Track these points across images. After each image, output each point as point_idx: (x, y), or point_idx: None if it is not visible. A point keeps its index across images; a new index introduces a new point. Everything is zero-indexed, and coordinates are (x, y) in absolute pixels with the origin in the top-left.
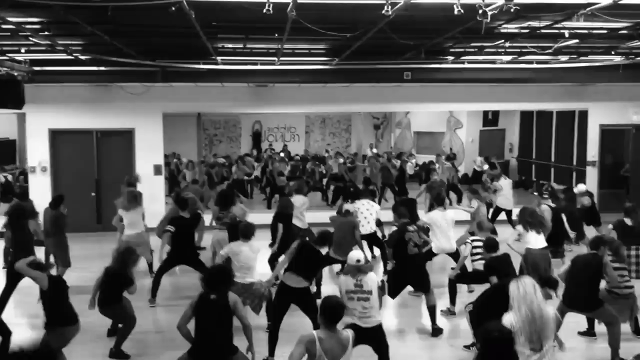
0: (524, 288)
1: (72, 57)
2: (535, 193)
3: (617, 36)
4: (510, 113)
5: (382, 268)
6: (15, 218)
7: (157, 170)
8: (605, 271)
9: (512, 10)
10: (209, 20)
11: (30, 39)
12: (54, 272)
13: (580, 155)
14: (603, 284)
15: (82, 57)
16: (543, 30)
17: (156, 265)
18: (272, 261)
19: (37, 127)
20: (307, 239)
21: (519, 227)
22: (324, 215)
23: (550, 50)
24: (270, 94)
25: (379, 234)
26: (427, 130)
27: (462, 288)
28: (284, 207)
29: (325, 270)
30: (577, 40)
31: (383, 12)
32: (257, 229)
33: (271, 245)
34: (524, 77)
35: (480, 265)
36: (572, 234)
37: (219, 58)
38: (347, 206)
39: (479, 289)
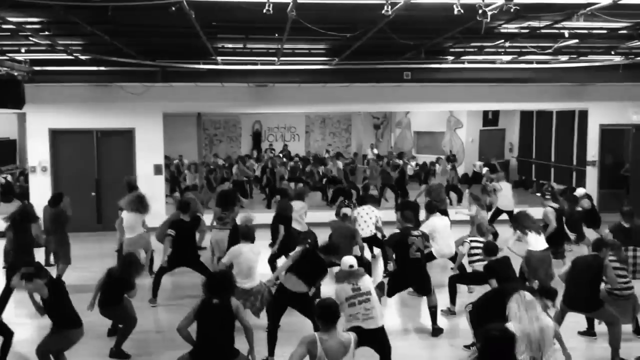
0: (525, 300)
1: (72, 57)
2: (538, 194)
3: (616, 36)
4: (510, 113)
5: (382, 268)
6: (20, 221)
7: (157, 170)
8: (605, 273)
9: (512, 10)
10: (209, 20)
11: (31, 38)
12: (53, 272)
13: (580, 155)
14: (603, 285)
15: (82, 57)
16: (543, 30)
17: (157, 266)
18: (272, 261)
19: (38, 127)
20: (309, 240)
21: (518, 233)
22: (323, 215)
23: (550, 50)
24: (270, 94)
25: (379, 235)
26: (427, 130)
27: (462, 288)
28: (283, 209)
29: None
30: (577, 40)
31: (383, 12)
32: (257, 229)
33: (271, 245)
34: (524, 77)
35: (479, 266)
36: (572, 236)
37: (219, 58)
38: (346, 210)
39: (479, 289)
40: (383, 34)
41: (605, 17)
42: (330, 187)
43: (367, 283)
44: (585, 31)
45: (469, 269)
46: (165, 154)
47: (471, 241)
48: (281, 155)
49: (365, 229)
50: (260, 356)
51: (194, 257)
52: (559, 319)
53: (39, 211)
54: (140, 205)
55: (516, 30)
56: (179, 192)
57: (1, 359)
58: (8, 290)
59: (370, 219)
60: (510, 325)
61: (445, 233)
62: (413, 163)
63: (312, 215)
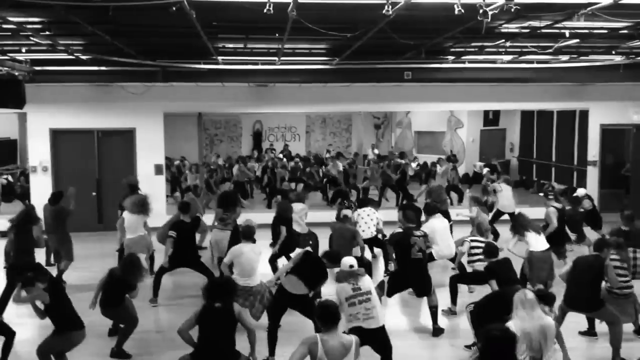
0: (526, 299)
1: (73, 57)
2: (541, 194)
3: (617, 36)
4: (511, 113)
5: (382, 268)
6: (23, 223)
7: (158, 169)
8: (606, 274)
9: (512, 10)
10: (210, 20)
11: (31, 38)
12: (53, 271)
13: (581, 155)
14: (603, 283)
15: (83, 57)
16: (543, 30)
17: (157, 266)
18: (273, 261)
19: (38, 126)
20: (310, 242)
21: (517, 237)
22: (324, 215)
23: (550, 50)
24: (270, 93)
25: (380, 236)
26: (428, 129)
27: (462, 288)
28: (283, 210)
29: None
30: (577, 40)
31: (383, 11)
32: (258, 229)
33: (271, 245)
34: (525, 77)
35: (480, 266)
36: (572, 236)
37: (219, 58)
38: (347, 212)
39: (480, 289)
40: (384, 34)
41: (606, 16)
42: (331, 188)
43: (368, 283)
44: (586, 31)
45: (469, 269)
46: (166, 154)
47: (471, 241)
48: (282, 155)
49: (366, 230)
50: (261, 356)
51: (194, 257)
52: (560, 319)
53: (40, 211)
54: (142, 208)
55: (517, 30)
56: (179, 192)
57: (3, 359)
58: (9, 290)
59: (371, 220)
60: (511, 324)
61: (444, 234)
62: (414, 164)
63: (313, 216)
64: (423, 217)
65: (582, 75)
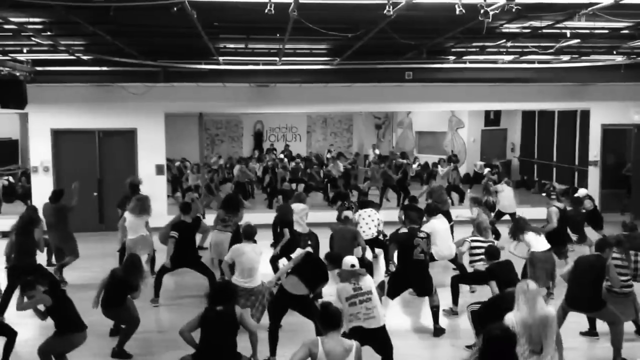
0: (528, 289)
1: (74, 57)
2: (543, 194)
3: (618, 36)
4: (512, 113)
5: (383, 268)
6: (26, 225)
7: (159, 170)
8: (608, 274)
9: (513, 10)
10: (211, 21)
11: (33, 39)
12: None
13: (582, 155)
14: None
15: (84, 57)
16: (544, 30)
17: (158, 266)
18: (274, 262)
19: (40, 127)
20: (309, 242)
21: (513, 243)
22: (325, 216)
23: (551, 50)
24: (271, 94)
25: (381, 237)
26: (429, 130)
27: (464, 288)
28: (283, 214)
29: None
30: (578, 40)
31: (384, 12)
32: (258, 229)
33: (272, 245)
34: (526, 77)
35: (481, 266)
36: (573, 236)
37: (220, 58)
38: (347, 213)
39: (481, 289)
40: (384, 34)
41: (607, 17)
42: (332, 189)
43: (369, 283)
44: (587, 31)
45: (469, 269)
46: (167, 154)
47: (472, 241)
48: (283, 155)
49: (367, 231)
50: (262, 356)
51: (195, 257)
52: (561, 319)
53: (40, 210)
54: (142, 209)
55: (518, 30)
56: (180, 192)
57: (4, 359)
58: (10, 290)
59: (372, 221)
60: (512, 315)
61: (445, 235)
62: (415, 164)
63: (313, 216)
64: (424, 218)
65: (583, 76)
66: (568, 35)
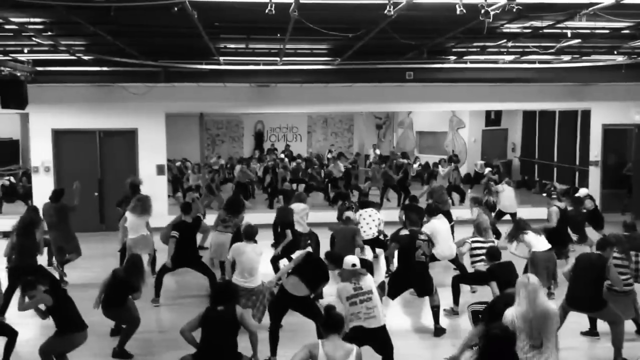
0: (529, 283)
1: (75, 58)
2: (544, 195)
3: (619, 36)
4: (513, 113)
5: (384, 268)
6: (27, 227)
7: (160, 170)
8: (609, 275)
9: (514, 10)
10: (212, 21)
11: (33, 39)
12: (53, 272)
13: (583, 155)
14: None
15: (85, 58)
16: (545, 30)
17: (159, 267)
18: (275, 262)
19: (40, 127)
20: (309, 242)
21: (514, 243)
22: (325, 215)
23: (552, 50)
24: (272, 94)
25: (381, 237)
26: (430, 130)
27: (464, 288)
28: (284, 216)
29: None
30: (579, 40)
31: (385, 12)
32: (259, 229)
33: (273, 245)
34: (527, 77)
35: (482, 267)
36: (574, 236)
37: (221, 58)
38: (349, 213)
39: (482, 289)
40: (385, 34)
41: (608, 17)
42: (332, 189)
43: (369, 282)
44: (588, 31)
45: (471, 270)
46: (167, 155)
47: (472, 242)
48: (283, 155)
49: (368, 230)
50: (263, 356)
51: (195, 257)
52: (561, 319)
53: (41, 210)
54: (144, 209)
55: (519, 30)
56: (181, 192)
57: (5, 359)
58: (11, 291)
59: (372, 221)
60: (512, 310)
61: (446, 235)
62: (416, 165)
63: (314, 216)
64: (425, 218)
65: (584, 76)
66: (569, 35)
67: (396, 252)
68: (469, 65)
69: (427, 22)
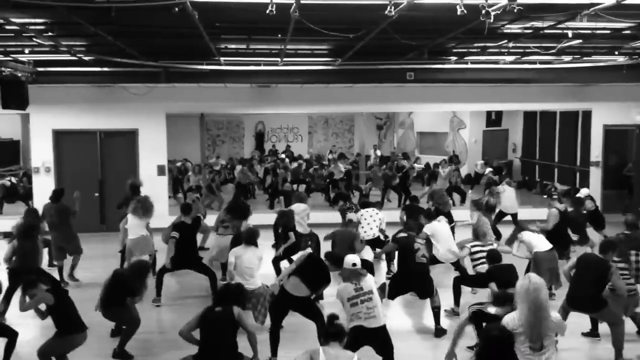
0: (529, 284)
1: (76, 58)
2: (545, 196)
3: (620, 36)
4: (514, 113)
5: (385, 268)
6: (27, 230)
7: (160, 170)
8: (612, 280)
9: (515, 10)
10: (212, 21)
11: (34, 39)
12: (54, 273)
13: (583, 155)
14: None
15: (86, 58)
16: (546, 31)
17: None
18: (276, 262)
19: (41, 127)
20: (310, 243)
21: (516, 242)
22: (326, 216)
23: (553, 51)
24: (273, 94)
25: (382, 237)
26: (430, 130)
27: (465, 289)
28: (285, 220)
29: None
30: (580, 41)
31: (386, 12)
32: (260, 229)
33: (274, 246)
34: (527, 78)
35: (482, 269)
36: (575, 237)
37: (222, 59)
38: (351, 216)
39: (483, 291)
40: (386, 35)
41: (609, 17)
42: (333, 190)
43: (370, 283)
44: (589, 31)
45: (472, 273)
46: (168, 155)
47: (472, 246)
48: (284, 156)
49: (369, 231)
50: (263, 356)
51: (196, 258)
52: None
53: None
54: (145, 210)
55: (519, 31)
56: (182, 193)
57: None
58: (11, 291)
59: (374, 221)
60: (512, 314)
61: (446, 237)
62: (416, 166)
63: (315, 216)
64: (424, 221)
65: (585, 76)
66: (570, 35)
67: (397, 254)
68: (469, 65)
69: (427, 23)
